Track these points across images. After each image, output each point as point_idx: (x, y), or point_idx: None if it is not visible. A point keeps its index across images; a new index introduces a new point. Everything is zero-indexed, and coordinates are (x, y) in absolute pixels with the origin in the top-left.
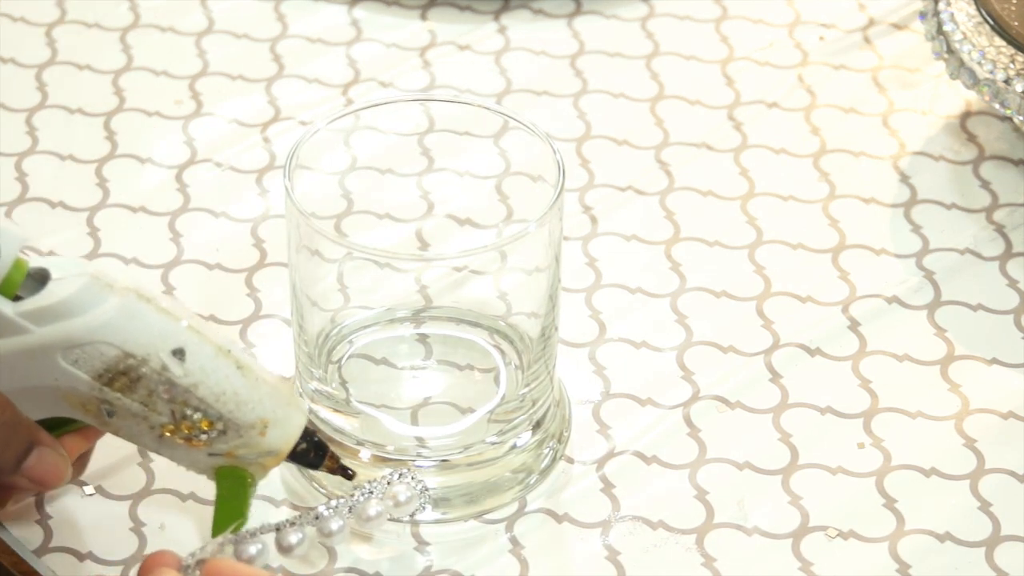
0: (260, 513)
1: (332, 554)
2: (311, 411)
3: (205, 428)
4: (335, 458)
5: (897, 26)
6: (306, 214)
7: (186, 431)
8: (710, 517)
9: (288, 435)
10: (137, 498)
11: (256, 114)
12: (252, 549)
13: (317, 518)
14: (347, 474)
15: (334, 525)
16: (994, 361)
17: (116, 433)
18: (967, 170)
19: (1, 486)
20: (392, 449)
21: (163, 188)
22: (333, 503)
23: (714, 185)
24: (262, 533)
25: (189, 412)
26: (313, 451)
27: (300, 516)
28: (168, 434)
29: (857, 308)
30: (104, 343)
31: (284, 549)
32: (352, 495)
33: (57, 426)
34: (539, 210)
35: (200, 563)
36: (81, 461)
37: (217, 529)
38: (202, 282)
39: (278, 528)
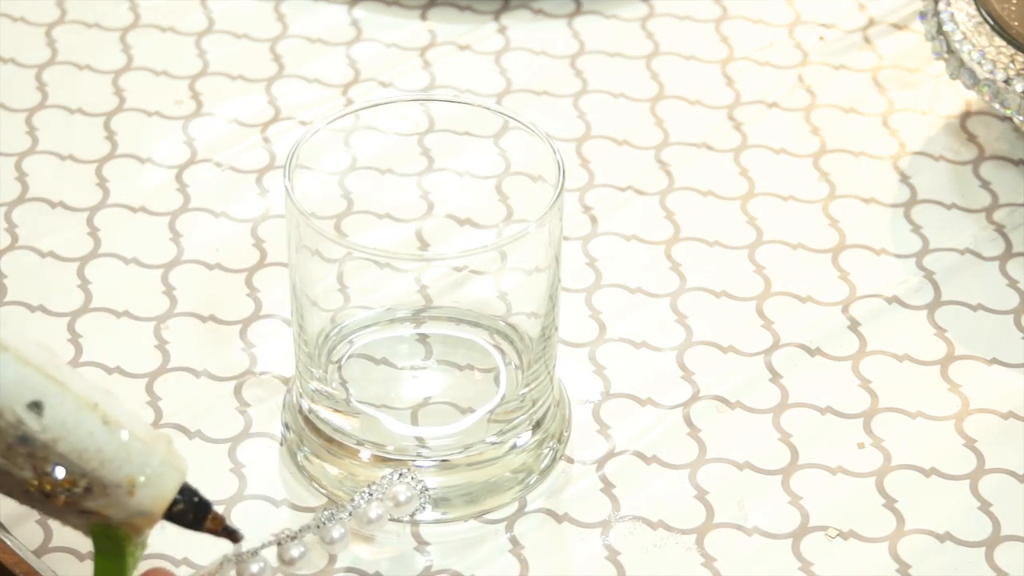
0: (260, 513)
1: (332, 554)
2: (311, 411)
3: (67, 486)
4: (218, 519)
5: (897, 26)
6: (306, 214)
7: (48, 488)
8: (710, 517)
9: (160, 496)
10: None
11: (256, 114)
12: (254, 568)
13: (319, 527)
14: (234, 537)
15: (336, 533)
16: (994, 361)
17: None
18: (967, 170)
19: None
20: (392, 449)
21: (163, 188)
22: (334, 510)
23: (714, 185)
24: (263, 549)
25: (50, 469)
26: (192, 512)
27: (301, 528)
28: (32, 490)
29: (857, 308)
30: None
31: (287, 563)
32: (352, 499)
33: None
34: (539, 210)
35: None
36: None
37: None
38: (202, 282)
39: (279, 543)
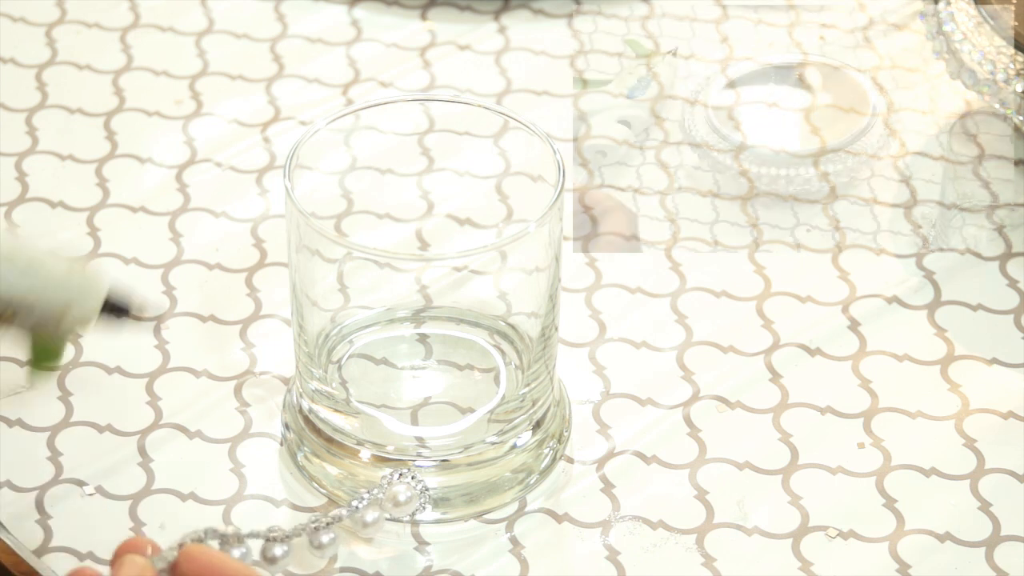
0: (260, 513)
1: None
2: (311, 411)
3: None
4: (140, 308)
5: (897, 26)
6: (306, 214)
7: None
8: (710, 517)
9: (87, 314)
10: (137, 498)
11: (256, 114)
12: (236, 552)
13: (315, 530)
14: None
15: (325, 538)
16: (994, 361)
17: None
18: (967, 170)
19: None
20: (392, 449)
21: (163, 188)
22: (330, 514)
23: (714, 186)
24: (250, 538)
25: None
26: (115, 314)
27: (292, 530)
28: None
29: (857, 308)
30: None
31: (268, 560)
32: (349, 503)
33: None
34: (539, 210)
35: (181, 546)
36: None
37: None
38: (202, 282)
39: (266, 539)
